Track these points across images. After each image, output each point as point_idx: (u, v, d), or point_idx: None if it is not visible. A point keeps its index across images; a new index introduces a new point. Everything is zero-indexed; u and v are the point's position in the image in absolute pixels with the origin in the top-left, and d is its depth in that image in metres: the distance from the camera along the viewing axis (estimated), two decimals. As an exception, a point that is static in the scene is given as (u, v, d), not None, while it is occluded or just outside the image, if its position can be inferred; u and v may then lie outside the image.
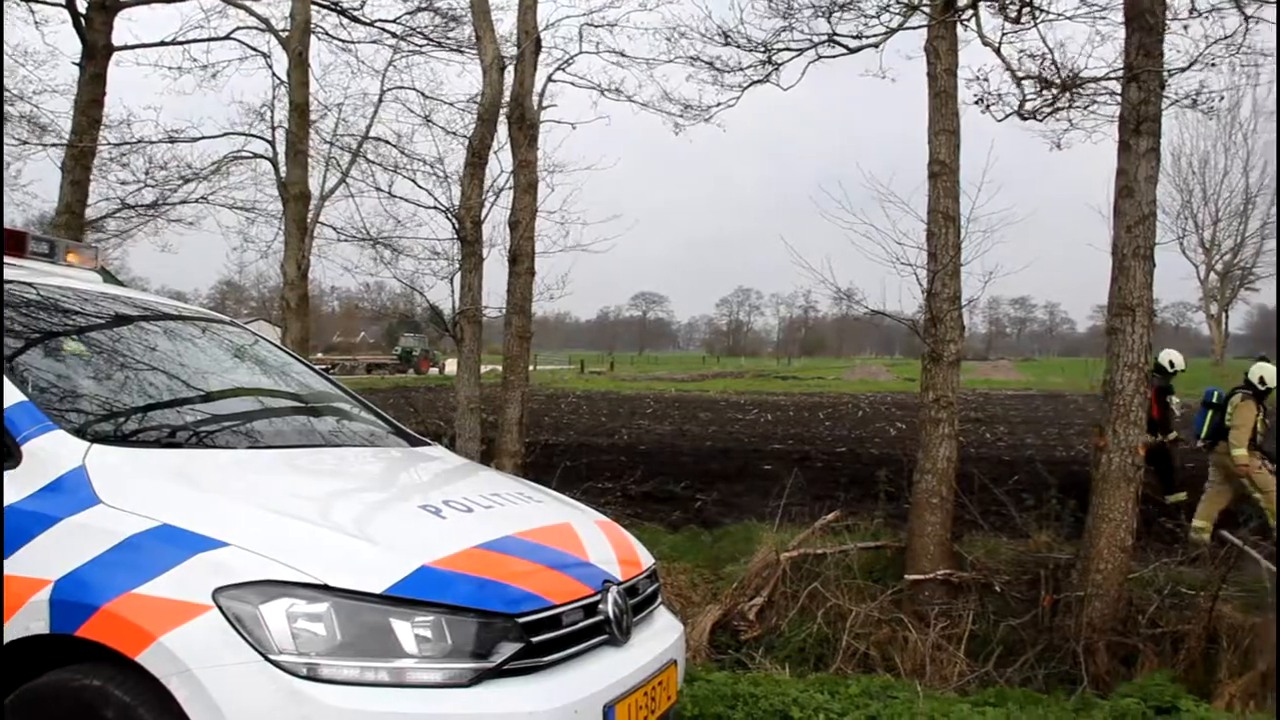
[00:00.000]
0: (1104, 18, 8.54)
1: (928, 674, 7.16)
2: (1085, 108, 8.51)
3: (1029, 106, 7.84)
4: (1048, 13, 8.13)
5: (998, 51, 7.73)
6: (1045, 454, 18.43)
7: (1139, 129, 7.51)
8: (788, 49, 8.98)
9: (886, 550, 8.47)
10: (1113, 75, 7.91)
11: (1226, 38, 8.52)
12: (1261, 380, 11.53)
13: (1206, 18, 8.52)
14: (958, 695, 6.42)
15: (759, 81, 9.50)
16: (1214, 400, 11.91)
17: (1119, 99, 7.82)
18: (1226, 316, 65.93)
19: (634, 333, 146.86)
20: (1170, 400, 13.07)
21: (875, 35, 8.33)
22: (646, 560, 4.35)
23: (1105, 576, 7.36)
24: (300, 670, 2.88)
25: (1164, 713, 5.69)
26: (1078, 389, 36.83)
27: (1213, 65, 8.32)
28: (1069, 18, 8.55)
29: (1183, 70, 8.20)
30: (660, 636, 4.04)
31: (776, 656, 7.48)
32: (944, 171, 8.07)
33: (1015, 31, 8.06)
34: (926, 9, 8.25)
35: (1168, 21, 7.78)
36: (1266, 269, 62.12)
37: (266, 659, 2.87)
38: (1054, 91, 7.80)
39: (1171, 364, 13.37)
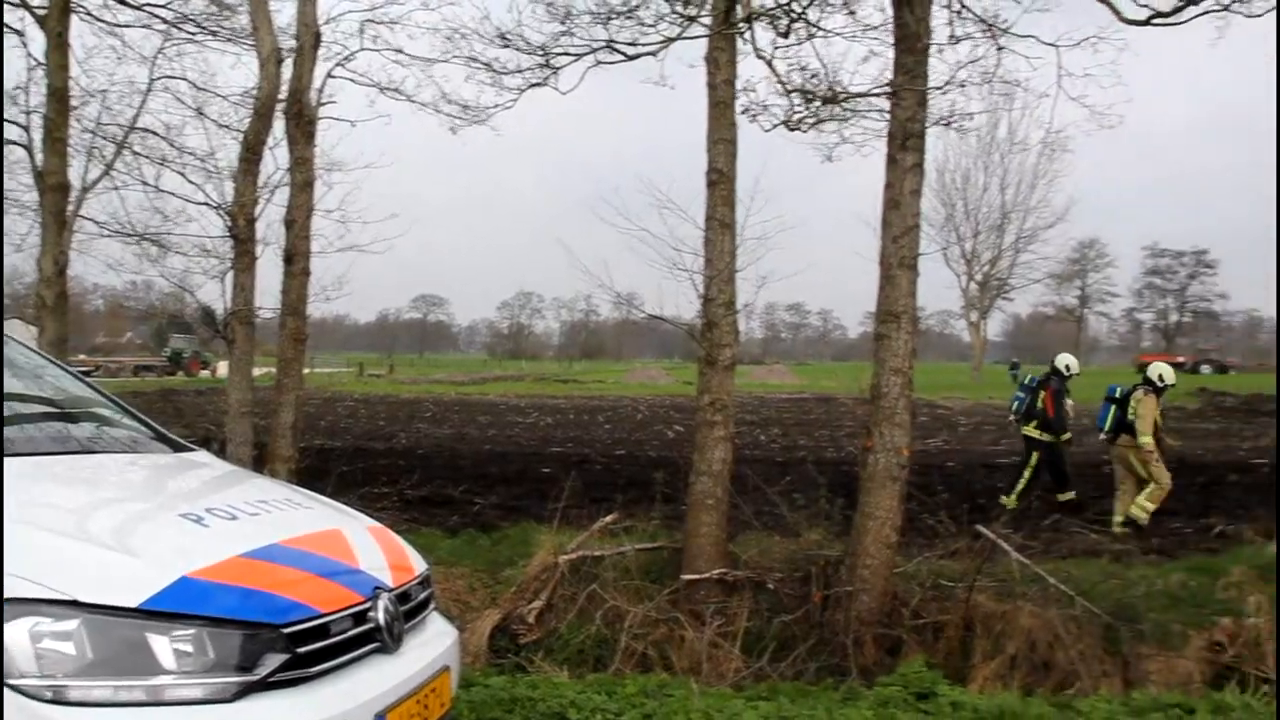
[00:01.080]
0: (875, 38, 8.92)
1: (704, 671, 7.31)
2: (848, 120, 8.84)
3: (795, 118, 8.08)
4: (818, 27, 8.41)
5: (769, 64, 7.95)
6: (817, 455, 19.07)
7: (905, 144, 7.86)
8: (566, 53, 9.01)
9: (664, 551, 8.58)
10: (876, 92, 8.25)
11: (974, 62, 9.02)
12: (1160, 377, 12.67)
13: (959, 43, 9.01)
14: (733, 691, 6.56)
15: (537, 84, 9.51)
16: (1116, 396, 12.90)
17: (888, 115, 8.16)
18: (985, 323, 69.83)
19: (414, 335, 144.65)
20: (1066, 402, 13.97)
21: (653, 44, 8.45)
22: (419, 566, 4.28)
23: (872, 572, 7.68)
24: (44, 694, 2.70)
25: (924, 698, 5.97)
26: (848, 392, 38.22)
27: (963, 88, 8.77)
28: (837, 34, 8.87)
29: (941, 91, 8.61)
30: (433, 643, 3.99)
31: (556, 659, 7.49)
32: (721, 180, 8.24)
33: (788, 46, 8.31)
34: (705, 21, 8.42)
35: (931, 44, 8.17)
36: (1020, 280, 66.37)
37: (5, 684, 2.67)
38: (817, 105, 8.08)
39: (1068, 368, 14.18)
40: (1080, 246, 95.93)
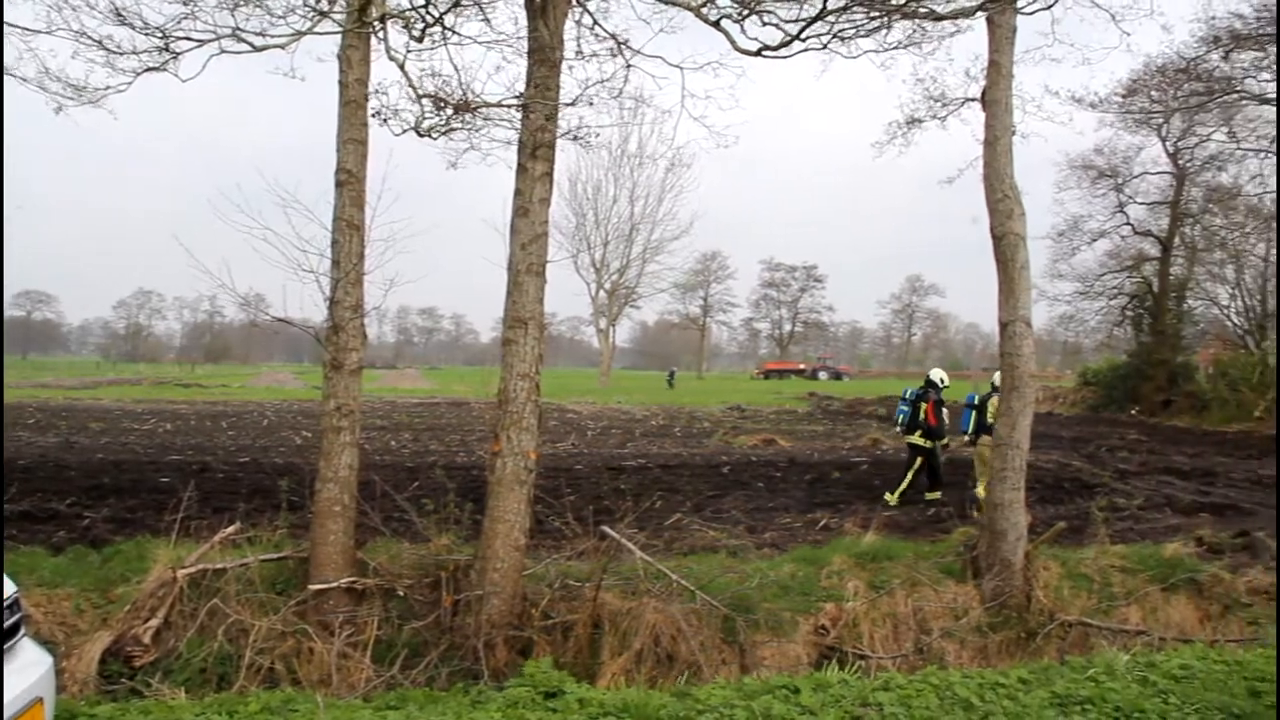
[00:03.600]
0: (511, 46, 9.01)
1: (334, 684, 7.12)
2: (478, 130, 8.89)
3: (426, 124, 8.03)
4: (454, 32, 8.40)
5: (401, 68, 7.84)
6: (448, 460, 19.04)
7: (535, 154, 7.99)
8: (188, 38, 8.50)
9: (289, 561, 8.29)
10: (509, 103, 8.34)
11: (604, 82, 9.33)
12: (942, 380, 14.95)
13: (590, 59, 9.28)
14: (361, 702, 6.42)
15: (154, 69, 8.91)
16: (975, 402, 14.90)
17: (519, 125, 8.25)
18: (614, 330, 72.21)
19: (18, 335, 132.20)
20: (944, 411, 15.57)
21: (282, 36, 8.13)
22: (8, 589, 3.92)
23: (502, 574, 7.74)
24: None
25: (552, 696, 6.06)
26: (480, 397, 38.40)
27: (591, 105, 9.06)
28: (473, 41, 8.91)
29: (572, 104, 8.84)
30: (23, 673, 3.66)
31: (175, 680, 7.07)
32: (351, 180, 8.06)
33: (423, 50, 8.24)
34: (338, 17, 8.20)
35: (564, 59, 8.34)
36: (647, 289, 69.13)
37: None
38: (448, 112, 8.06)
39: (942, 380, 15.77)
40: (704, 258, 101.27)
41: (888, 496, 15.44)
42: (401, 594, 7.92)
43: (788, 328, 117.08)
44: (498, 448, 7.91)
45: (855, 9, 8.75)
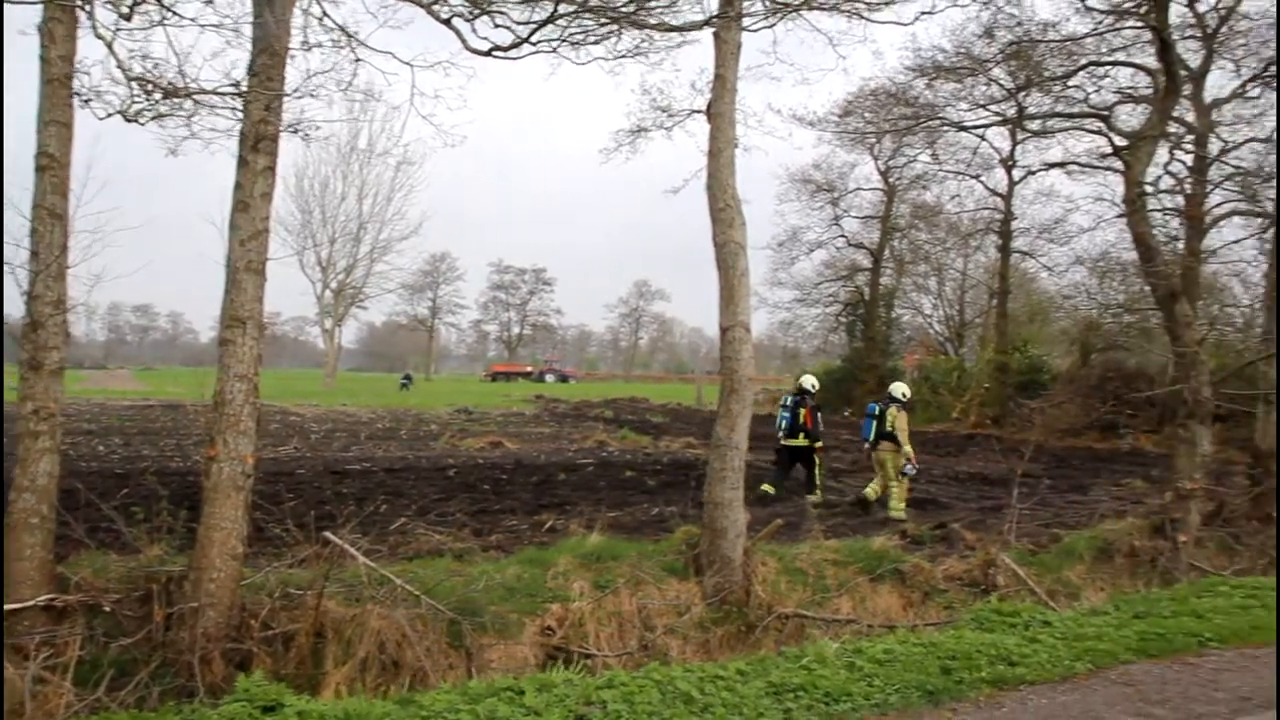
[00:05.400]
0: (236, 31, 8.59)
1: (28, 713, 6.62)
2: (193, 117, 8.42)
3: (134, 109, 7.55)
4: (172, 12, 7.94)
5: (109, 46, 7.35)
6: (161, 465, 18.14)
7: (257, 147, 7.69)
8: None
9: (-22, 579, 7.66)
10: (224, 90, 7.96)
11: (329, 71, 9.08)
12: (904, 394, 16.18)
13: (316, 50, 9.00)
14: (60, 727, 6.01)
15: None
16: (875, 412, 16.15)
17: (240, 115, 7.91)
18: (340, 331, 70.42)
19: None
20: (819, 415, 17.01)
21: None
22: None
23: (218, 585, 7.40)
24: None
25: (270, 711, 5.85)
26: (197, 399, 36.69)
27: (314, 97, 8.78)
28: (191, 23, 8.45)
29: (296, 96, 8.53)
30: None
31: None
32: (54, 165, 7.50)
33: (134, 29, 7.75)
34: (38, -12, 7.63)
35: (290, 49, 8.06)
36: (375, 289, 67.78)
37: None
38: (158, 97, 7.62)
39: (814, 385, 17.46)
40: (433, 259, 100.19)
41: (810, 498, 16.46)
42: (108, 609, 7.44)
43: (516, 330, 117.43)
44: (214, 452, 7.56)
45: (586, 15, 8.87)
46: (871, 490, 15.89)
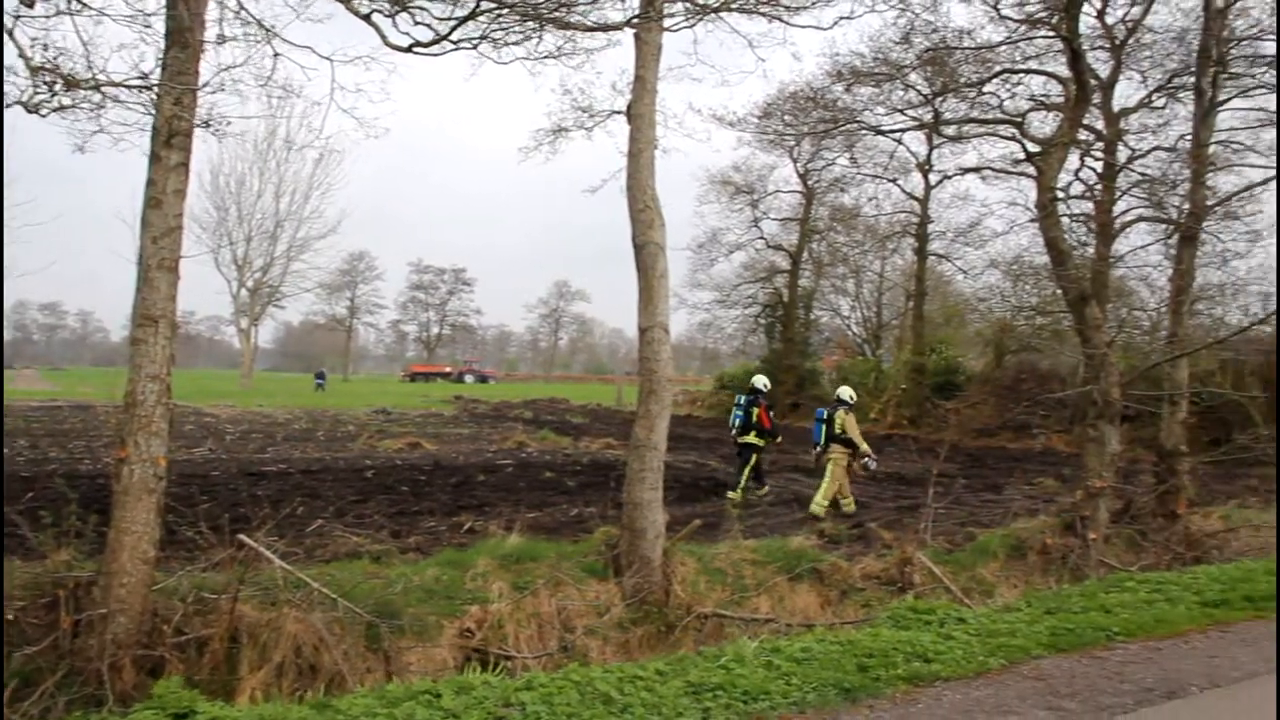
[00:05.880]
0: (150, 26, 8.41)
1: (-78, 725, 6.44)
2: (100, 109, 8.20)
3: (36, 99, 7.34)
4: (80, 1, 7.75)
5: (11, 35, 7.14)
6: (70, 468, 17.76)
7: (170, 142, 7.54)
8: None
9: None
10: (133, 83, 7.77)
11: (239, 65, 8.94)
12: (851, 397, 16.90)
13: (231, 43, 8.86)
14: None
15: None
16: (824, 417, 16.79)
17: (153, 109, 7.74)
18: (256, 330, 69.30)
19: None
20: (773, 413, 17.59)
21: None
22: None
23: (129, 590, 7.25)
24: None
25: (182, 718, 5.75)
26: (108, 400, 35.92)
27: (223, 90, 8.64)
28: (102, 13, 8.25)
29: (211, 90, 8.38)
30: None
31: None
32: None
33: (37, 17, 7.54)
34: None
35: (205, 41, 7.91)
36: (292, 288, 66.84)
37: None
38: (60, 88, 7.41)
39: (766, 385, 18.01)
40: (352, 258, 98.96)
41: (730, 495, 17.01)
42: (11, 618, 7.25)
43: (436, 330, 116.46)
44: (124, 454, 7.40)
45: (507, 13, 8.84)
46: (846, 505, 16.26)
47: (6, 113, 7.34)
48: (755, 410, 17.30)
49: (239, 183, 63.14)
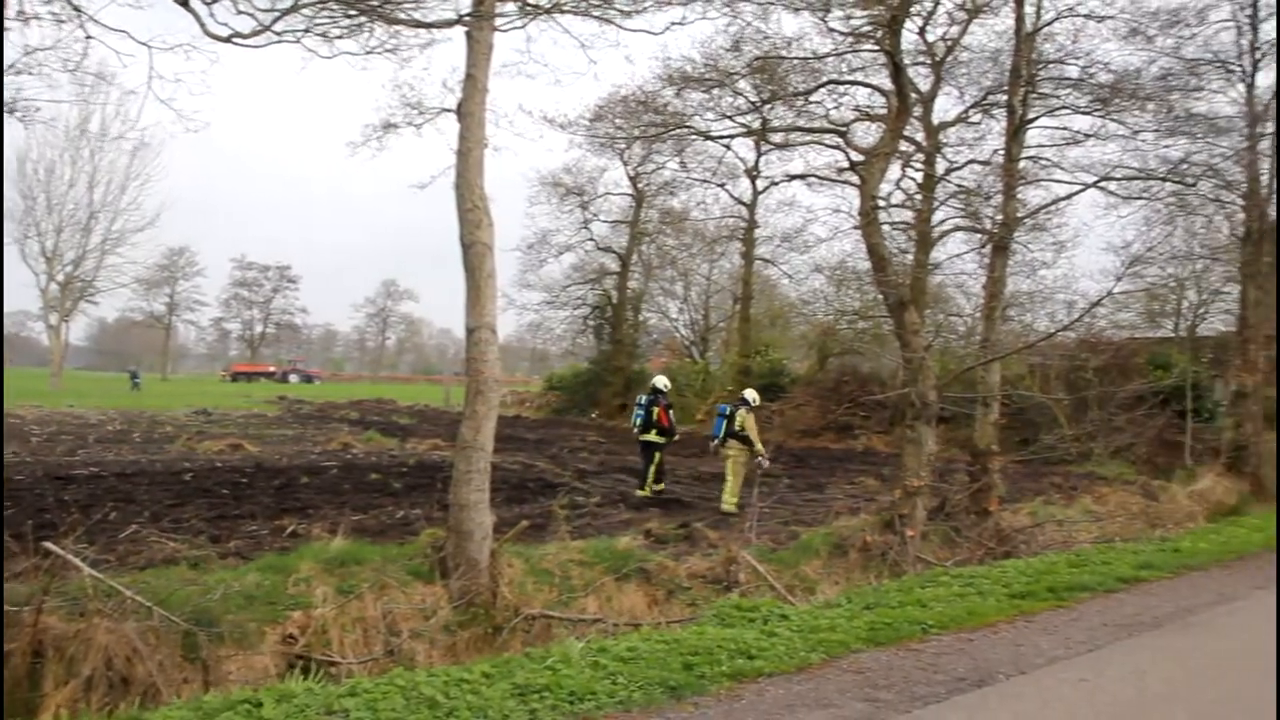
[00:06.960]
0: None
1: None
2: None
3: None
4: None
5: None
6: None
7: (-31, 129, 7.19)
8: None
9: None
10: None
11: (50, 48, 8.59)
12: (754, 399, 17.47)
13: (37, 24, 8.49)
14: None
15: None
16: (726, 413, 17.24)
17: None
18: (67, 327, 66.08)
19: None
20: (672, 413, 18.24)
21: None
22: None
23: (-79, 602, 6.87)
24: None
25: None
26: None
27: (29, 73, 8.30)
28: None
29: (9, 73, 8.02)
30: None
31: None
32: None
33: None
34: None
35: (6, 21, 7.57)
36: (106, 283, 64.01)
37: None
38: None
39: (666, 385, 18.85)
40: (171, 253, 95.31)
41: (639, 491, 17.58)
42: None
43: (259, 329, 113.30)
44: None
45: (332, 6, 8.69)
46: (730, 500, 16.73)
47: None
48: (655, 409, 17.89)
49: (48, 171, 60.06)
